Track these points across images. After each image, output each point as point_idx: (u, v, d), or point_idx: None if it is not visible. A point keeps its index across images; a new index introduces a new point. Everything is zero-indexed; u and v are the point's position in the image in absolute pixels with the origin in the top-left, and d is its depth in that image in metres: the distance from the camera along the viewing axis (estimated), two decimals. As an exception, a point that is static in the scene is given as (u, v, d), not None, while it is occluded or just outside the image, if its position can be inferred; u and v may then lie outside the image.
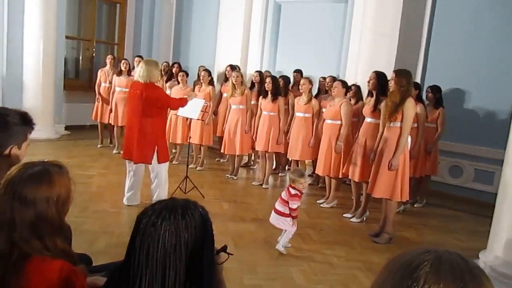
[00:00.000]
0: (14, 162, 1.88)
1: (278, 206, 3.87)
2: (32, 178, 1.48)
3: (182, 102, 4.77)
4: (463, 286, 0.69)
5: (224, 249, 1.46)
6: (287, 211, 3.81)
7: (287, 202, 3.80)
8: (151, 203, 1.31)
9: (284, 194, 3.85)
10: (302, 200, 4.43)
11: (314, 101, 5.69)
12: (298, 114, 5.74)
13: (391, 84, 4.28)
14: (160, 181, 4.67)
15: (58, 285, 1.43)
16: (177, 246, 1.20)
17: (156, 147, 4.50)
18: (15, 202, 1.44)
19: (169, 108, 4.91)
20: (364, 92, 5.69)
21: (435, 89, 5.68)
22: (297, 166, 5.99)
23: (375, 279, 0.79)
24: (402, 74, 4.25)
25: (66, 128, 8.55)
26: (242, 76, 6.33)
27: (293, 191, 3.79)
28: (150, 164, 4.58)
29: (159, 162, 4.56)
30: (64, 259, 1.49)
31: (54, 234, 1.50)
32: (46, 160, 1.61)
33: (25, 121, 2.04)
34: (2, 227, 1.44)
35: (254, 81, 6.64)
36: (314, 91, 6.25)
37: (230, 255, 1.45)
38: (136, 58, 7.61)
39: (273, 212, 3.90)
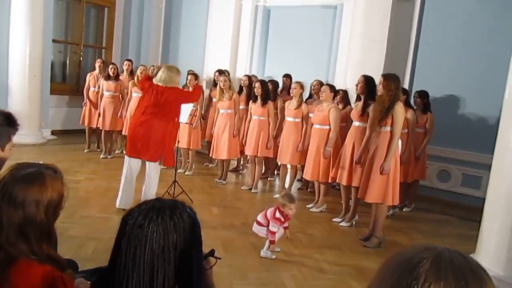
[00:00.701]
0: (-2, 163, 1.83)
1: (259, 217, 3.85)
2: (24, 179, 1.43)
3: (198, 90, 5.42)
4: (464, 284, 0.67)
5: (211, 253, 1.42)
6: (264, 223, 3.79)
7: (268, 220, 3.77)
8: (137, 204, 1.26)
9: (269, 211, 3.79)
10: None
11: (304, 106, 5.68)
12: (288, 118, 5.72)
13: (380, 88, 4.30)
14: (153, 180, 4.65)
15: (41, 290, 1.38)
16: (166, 248, 1.15)
17: (163, 148, 4.60)
18: (3, 203, 1.40)
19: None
20: (352, 97, 5.71)
21: (423, 94, 5.72)
22: (286, 170, 5.97)
23: (373, 278, 0.76)
24: (391, 78, 4.27)
25: (53, 132, 8.42)
26: (230, 80, 6.30)
27: (277, 214, 3.74)
28: (156, 162, 4.62)
29: (164, 165, 4.74)
30: (51, 264, 1.44)
31: (42, 239, 1.45)
32: (41, 162, 1.56)
33: (9, 122, 1.99)
34: None
35: (242, 85, 6.63)
36: (305, 96, 6.24)
37: (218, 259, 1.42)
38: (126, 62, 7.58)
39: (254, 223, 3.89)
